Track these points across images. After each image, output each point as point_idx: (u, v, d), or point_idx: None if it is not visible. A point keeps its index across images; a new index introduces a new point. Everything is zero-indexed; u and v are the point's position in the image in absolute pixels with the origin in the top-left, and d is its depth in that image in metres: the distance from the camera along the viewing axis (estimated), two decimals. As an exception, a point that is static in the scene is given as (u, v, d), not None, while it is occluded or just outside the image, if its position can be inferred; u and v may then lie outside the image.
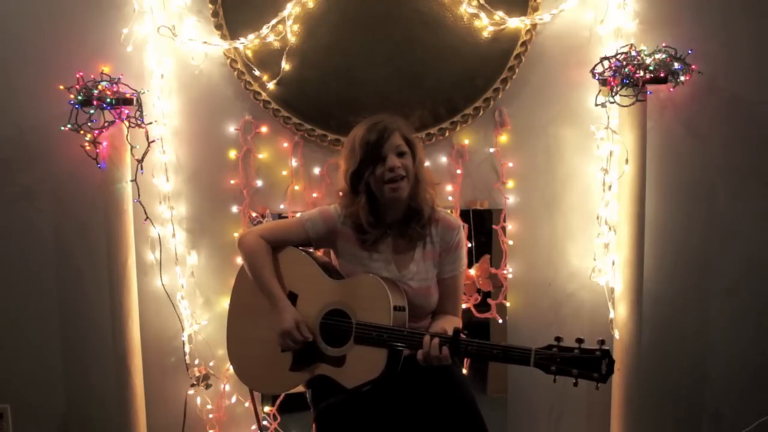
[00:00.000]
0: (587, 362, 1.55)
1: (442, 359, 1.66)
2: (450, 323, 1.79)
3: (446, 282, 1.92)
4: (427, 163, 2.32)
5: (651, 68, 2.03)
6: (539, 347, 1.59)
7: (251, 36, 2.24)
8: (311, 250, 2.01)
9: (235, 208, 2.38)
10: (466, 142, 2.33)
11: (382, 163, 1.80)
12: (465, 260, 1.96)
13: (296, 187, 2.36)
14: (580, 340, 1.57)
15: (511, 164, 2.33)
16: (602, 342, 1.56)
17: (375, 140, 1.79)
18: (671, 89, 2.14)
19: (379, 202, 1.86)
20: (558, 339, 1.59)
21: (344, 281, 1.88)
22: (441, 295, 1.92)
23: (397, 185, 1.80)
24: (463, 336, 1.66)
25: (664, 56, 2.05)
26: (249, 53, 2.28)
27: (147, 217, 2.30)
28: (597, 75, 2.11)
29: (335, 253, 1.97)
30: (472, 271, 2.34)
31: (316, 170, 2.36)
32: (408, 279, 1.87)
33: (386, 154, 1.79)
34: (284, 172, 2.36)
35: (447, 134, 2.30)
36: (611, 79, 2.05)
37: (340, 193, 1.93)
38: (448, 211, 1.95)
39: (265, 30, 2.24)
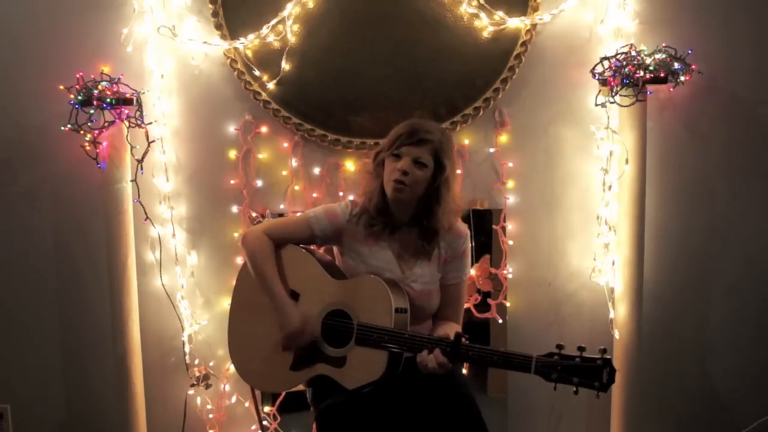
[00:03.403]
0: (588, 371, 1.54)
1: (438, 366, 1.65)
2: (451, 330, 1.79)
3: (449, 289, 1.91)
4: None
5: (651, 68, 2.03)
6: (540, 355, 1.58)
7: (251, 36, 2.25)
8: (313, 248, 2.00)
9: (235, 208, 2.38)
10: (466, 142, 2.33)
11: (396, 160, 1.80)
12: (469, 268, 1.97)
13: (296, 187, 2.36)
14: (581, 348, 1.57)
15: (511, 164, 2.33)
16: (604, 351, 1.55)
17: (405, 135, 1.79)
18: (671, 89, 2.13)
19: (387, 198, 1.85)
20: (559, 347, 1.58)
21: (346, 281, 1.87)
22: (443, 301, 1.91)
23: (398, 186, 1.79)
24: (464, 340, 1.66)
25: (664, 56, 2.05)
26: (249, 53, 2.28)
27: (147, 217, 2.30)
28: (597, 75, 2.11)
29: (339, 251, 1.96)
30: (472, 271, 2.34)
31: (316, 170, 2.36)
32: (411, 281, 1.86)
33: (403, 154, 1.79)
34: (284, 172, 2.36)
35: (447, 134, 2.31)
36: (611, 79, 2.05)
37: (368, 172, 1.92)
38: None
39: (265, 30, 2.24)
